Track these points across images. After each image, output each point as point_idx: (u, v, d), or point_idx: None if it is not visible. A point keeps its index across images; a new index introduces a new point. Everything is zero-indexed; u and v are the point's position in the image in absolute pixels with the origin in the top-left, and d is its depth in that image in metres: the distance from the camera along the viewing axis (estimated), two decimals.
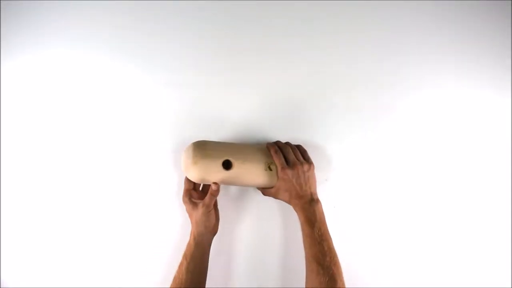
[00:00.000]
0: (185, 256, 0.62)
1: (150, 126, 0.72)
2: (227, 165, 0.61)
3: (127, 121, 0.72)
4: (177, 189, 0.69)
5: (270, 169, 0.63)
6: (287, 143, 0.68)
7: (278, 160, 0.63)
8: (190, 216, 0.65)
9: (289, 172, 0.63)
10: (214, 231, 0.65)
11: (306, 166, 0.64)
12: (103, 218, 0.70)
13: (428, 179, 0.71)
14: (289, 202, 0.66)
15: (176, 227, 0.69)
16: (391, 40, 0.74)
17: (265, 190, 0.68)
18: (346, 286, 0.58)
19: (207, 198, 0.62)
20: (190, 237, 0.63)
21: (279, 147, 0.66)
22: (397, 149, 0.72)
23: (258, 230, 0.71)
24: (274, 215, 0.72)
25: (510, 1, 0.73)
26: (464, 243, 0.69)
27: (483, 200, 0.70)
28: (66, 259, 0.69)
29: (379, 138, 0.72)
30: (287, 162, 0.64)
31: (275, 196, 0.67)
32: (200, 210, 0.62)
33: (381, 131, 0.72)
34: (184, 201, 0.65)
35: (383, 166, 0.71)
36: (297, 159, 0.65)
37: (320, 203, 0.64)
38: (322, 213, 0.63)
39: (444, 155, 0.71)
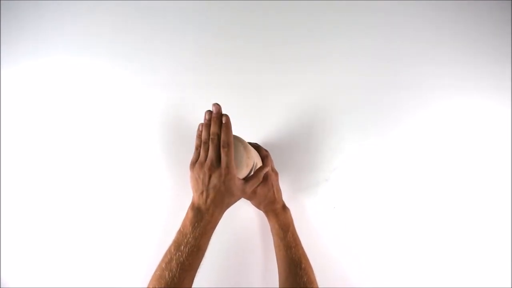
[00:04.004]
0: (201, 237, 0.52)
1: (146, 126, 0.72)
2: None
3: (123, 121, 0.72)
4: (172, 188, 0.69)
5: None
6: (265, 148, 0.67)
7: (269, 165, 0.62)
8: (227, 194, 0.53)
9: (274, 178, 0.64)
10: None
11: (278, 174, 0.66)
12: (101, 218, 0.70)
13: (428, 180, 0.71)
14: (262, 207, 0.65)
15: (175, 225, 0.69)
16: (391, 41, 0.74)
17: None
18: (341, 287, 0.61)
19: (255, 181, 0.57)
20: (207, 215, 0.53)
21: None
22: (397, 150, 0.72)
23: (229, 228, 0.70)
24: (249, 216, 0.71)
25: (510, 1, 0.73)
26: (464, 244, 0.69)
27: (484, 201, 0.70)
28: (66, 259, 0.69)
29: (380, 138, 0.72)
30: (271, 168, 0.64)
31: (249, 198, 0.65)
32: (242, 193, 0.56)
33: (381, 131, 0.72)
34: (233, 176, 0.53)
35: (384, 166, 0.71)
36: None
37: (289, 210, 0.66)
38: (292, 219, 0.65)
39: (444, 156, 0.71)
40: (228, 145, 0.52)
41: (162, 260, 0.53)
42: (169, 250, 0.53)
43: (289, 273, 0.59)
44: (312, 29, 0.74)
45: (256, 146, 0.65)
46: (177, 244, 0.52)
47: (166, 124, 0.72)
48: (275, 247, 0.63)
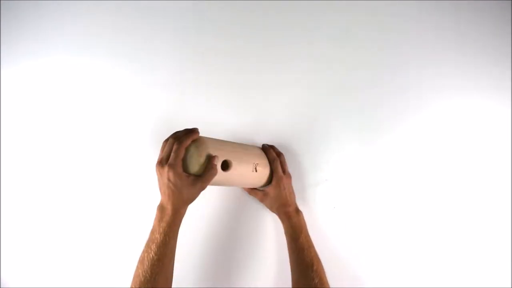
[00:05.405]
0: (164, 233, 0.54)
1: (146, 126, 0.72)
2: (224, 166, 0.59)
3: (123, 121, 0.72)
4: None
5: (256, 171, 0.62)
6: (278, 150, 0.68)
7: (277, 168, 0.64)
8: (177, 190, 0.54)
9: (285, 181, 0.65)
10: None
11: (291, 178, 0.67)
12: (101, 218, 0.70)
13: (428, 180, 0.71)
14: (275, 209, 0.66)
15: None
16: (391, 41, 0.74)
17: (251, 191, 0.69)
18: (341, 287, 0.62)
19: (210, 175, 0.54)
20: (167, 211, 0.55)
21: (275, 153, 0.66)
22: (397, 149, 0.72)
23: (242, 230, 0.71)
24: (261, 217, 0.71)
25: (510, 1, 0.73)
26: (464, 244, 0.69)
27: (483, 201, 0.70)
28: (66, 259, 0.69)
29: (379, 138, 0.72)
30: (283, 170, 0.65)
31: (261, 199, 0.67)
32: (198, 189, 0.54)
33: (381, 131, 0.72)
34: (178, 173, 0.53)
35: (384, 166, 0.71)
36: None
37: (302, 212, 0.66)
38: (305, 221, 0.66)
39: (444, 156, 0.71)
40: (179, 143, 0.53)
41: (138, 259, 0.56)
42: (143, 249, 0.56)
43: (300, 275, 0.60)
44: (312, 29, 0.74)
45: (265, 148, 0.67)
46: (148, 242, 0.56)
47: (165, 124, 0.72)
48: (288, 249, 0.64)
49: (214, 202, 0.71)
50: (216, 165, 0.54)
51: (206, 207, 0.70)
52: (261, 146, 0.69)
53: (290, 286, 0.61)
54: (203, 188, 0.55)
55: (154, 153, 0.71)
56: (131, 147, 0.72)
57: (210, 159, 0.55)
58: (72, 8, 0.74)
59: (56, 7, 0.75)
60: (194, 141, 0.56)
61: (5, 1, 0.75)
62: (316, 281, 0.59)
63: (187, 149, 0.55)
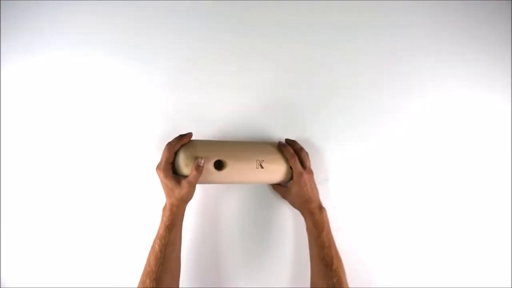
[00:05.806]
0: (165, 226, 0.59)
1: (146, 126, 0.72)
2: (218, 165, 0.60)
3: (123, 121, 0.72)
4: None
5: (262, 167, 0.63)
6: (300, 146, 0.67)
7: (294, 164, 0.64)
8: (169, 189, 0.59)
9: (306, 177, 0.64)
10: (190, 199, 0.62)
11: (313, 173, 0.66)
12: (101, 218, 0.70)
13: (428, 179, 0.71)
14: (297, 205, 0.67)
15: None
16: (391, 40, 0.74)
17: (275, 187, 0.70)
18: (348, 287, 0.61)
19: (192, 176, 0.57)
20: (167, 207, 0.60)
21: (294, 149, 0.65)
22: (396, 149, 0.72)
23: (263, 227, 0.71)
24: (281, 215, 0.72)
25: (510, 1, 0.73)
26: (464, 243, 0.70)
27: (483, 200, 0.70)
28: (66, 259, 0.69)
29: (379, 138, 0.72)
30: (303, 167, 0.65)
31: (283, 196, 0.68)
32: (184, 188, 0.58)
33: (381, 131, 0.72)
34: (166, 175, 0.58)
35: (383, 166, 0.71)
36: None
37: (325, 209, 0.66)
38: (328, 219, 0.65)
39: (444, 155, 0.71)
40: (169, 149, 0.59)
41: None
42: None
43: (319, 273, 0.61)
44: (312, 29, 0.74)
45: (280, 145, 0.66)
46: (154, 239, 0.60)
47: (165, 124, 0.72)
48: (309, 246, 0.64)
49: (235, 198, 0.71)
50: (200, 167, 0.57)
51: (226, 203, 0.70)
52: (273, 142, 0.68)
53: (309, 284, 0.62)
54: (191, 188, 0.58)
55: (155, 153, 0.71)
56: (131, 146, 0.72)
57: (195, 161, 0.58)
58: (72, 7, 0.74)
59: (57, 6, 0.75)
60: (183, 145, 0.60)
61: (5, 0, 0.75)
62: (335, 280, 0.59)
63: (176, 154, 0.60)
